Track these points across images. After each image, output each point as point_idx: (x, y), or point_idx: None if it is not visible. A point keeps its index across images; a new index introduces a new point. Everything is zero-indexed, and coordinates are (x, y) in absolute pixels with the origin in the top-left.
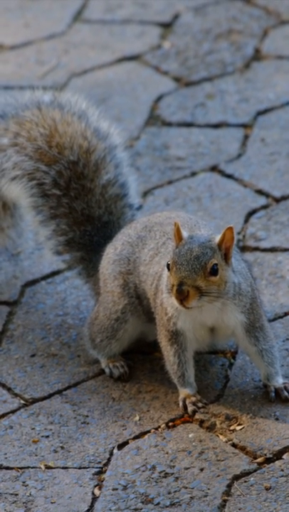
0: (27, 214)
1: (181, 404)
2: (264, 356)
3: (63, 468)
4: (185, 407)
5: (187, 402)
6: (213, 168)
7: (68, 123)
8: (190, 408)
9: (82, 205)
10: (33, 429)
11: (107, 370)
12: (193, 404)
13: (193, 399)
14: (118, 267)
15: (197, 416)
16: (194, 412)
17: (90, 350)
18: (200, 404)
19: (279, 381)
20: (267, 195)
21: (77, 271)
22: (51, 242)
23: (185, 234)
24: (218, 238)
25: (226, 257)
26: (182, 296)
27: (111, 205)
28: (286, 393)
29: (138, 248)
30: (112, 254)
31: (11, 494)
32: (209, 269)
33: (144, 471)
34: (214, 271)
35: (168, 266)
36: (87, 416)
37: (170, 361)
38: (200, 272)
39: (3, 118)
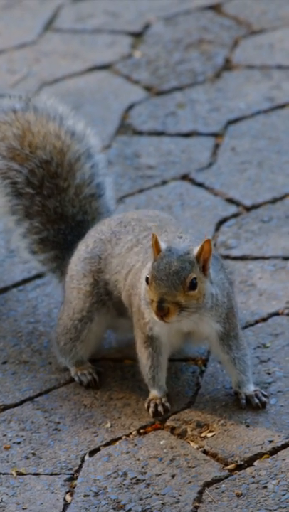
0: (0, 218)
1: (146, 405)
2: (236, 364)
3: (35, 474)
4: (148, 408)
5: (151, 403)
6: (184, 177)
7: (42, 124)
8: (150, 409)
9: (55, 204)
10: (4, 435)
11: (76, 378)
12: (155, 406)
13: (157, 401)
14: (88, 266)
15: (168, 423)
16: (154, 414)
17: (59, 358)
18: (159, 408)
19: (250, 388)
20: (237, 203)
21: (51, 270)
22: (26, 241)
23: (163, 245)
24: (196, 250)
25: (204, 269)
26: (163, 313)
27: (85, 204)
28: (256, 400)
29: (111, 244)
30: (83, 251)
31: None
32: (188, 284)
33: (115, 478)
34: (193, 285)
35: (147, 280)
36: (58, 423)
37: (143, 363)
38: (179, 287)
39: None
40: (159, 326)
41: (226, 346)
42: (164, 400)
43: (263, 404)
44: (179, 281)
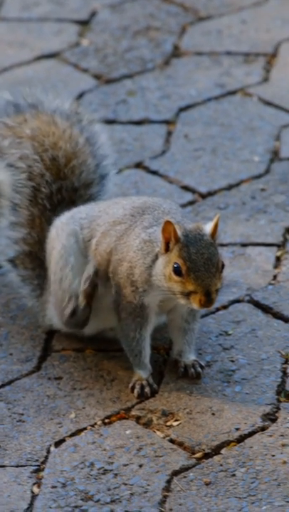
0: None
1: (130, 385)
2: (187, 334)
3: (0, 466)
4: (133, 389)
5: (136, 384)
6: (138, 165)
7: (86, 154)
8: (136, 390)
9: None
10: None
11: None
12: (141, 387)
13: (144, 382)
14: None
15: (133, 412)
16: (139, 395)
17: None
18: (146, 389)
19: (190, 358)
20: (193, 191)
21: (31, 287)
22: (14, 248)
23: (179, 232)
24: (209, 229)
25: None
26: (211, 305)
27: None
28: (192, 370)
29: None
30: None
31: None
32: (221, 268)
33: (82, 468)
34: (223, 267)
35: (177, 271)
36: (22, 414)
37: (129, 336)
38: (217, 274)
39: (20, 109)
40: (152, 292)
41: (191, 316)
42: (150, 380)
43: (198, 375)
44: (215, 269)
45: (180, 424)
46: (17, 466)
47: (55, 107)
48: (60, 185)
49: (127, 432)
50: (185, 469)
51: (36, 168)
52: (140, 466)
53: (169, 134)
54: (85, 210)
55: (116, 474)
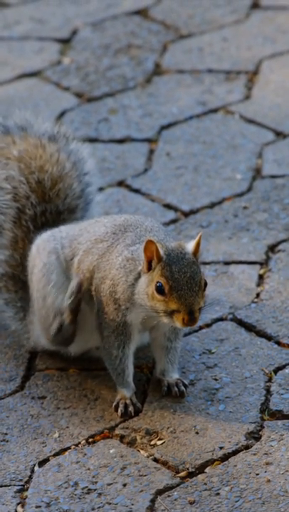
0: None
1: (114, 404)
2: (169, 353)
3: None
4: (117, 408)
5: (120, 403)
6: (120, 183)
7: (72, 178)
8: (119, 409)
9: None
10: None
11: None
12: (125, 406)
13: (127, 401)
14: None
15: (117, 431)
16: (123, 414)
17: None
18: (130, 408)
19: (173, 377)
20: (175, 209)
21: (15, 311)
22: None
23: (161, 251)
24: (191, 248)
25: None
26: (194, 324)
27: None
28: (176, 389)
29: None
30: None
31: None
32: (203, 286)
33: (66, 488)
34: (205, 285)
35: (160, 290)
36: (6, 434)
37: (112, 354)
38: (200, 292)
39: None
40: (135, 310)
41: (174, 335)
42: (134, 399)
43: (182, 394)
44: (198, 288)
45: (164, 443)
46: (1, 486)
47: (43, 130)
48: (45, 208)
49: (111, 451)
50: (169, 488)
51: (22, 190)
52: (124, 485)
53: (151, 152)
54: (65, 230)
55: (100, 494)
